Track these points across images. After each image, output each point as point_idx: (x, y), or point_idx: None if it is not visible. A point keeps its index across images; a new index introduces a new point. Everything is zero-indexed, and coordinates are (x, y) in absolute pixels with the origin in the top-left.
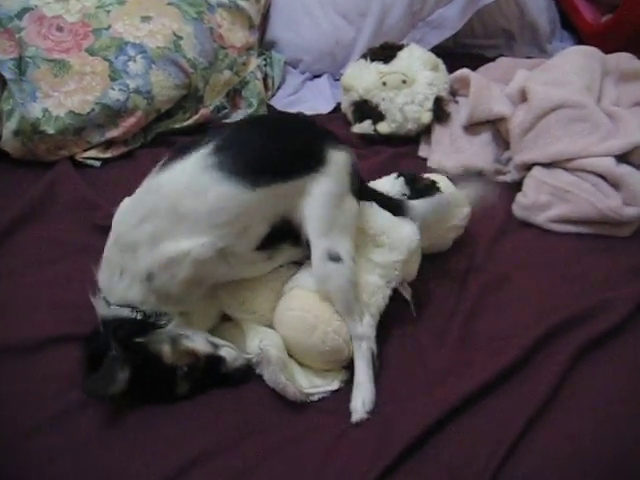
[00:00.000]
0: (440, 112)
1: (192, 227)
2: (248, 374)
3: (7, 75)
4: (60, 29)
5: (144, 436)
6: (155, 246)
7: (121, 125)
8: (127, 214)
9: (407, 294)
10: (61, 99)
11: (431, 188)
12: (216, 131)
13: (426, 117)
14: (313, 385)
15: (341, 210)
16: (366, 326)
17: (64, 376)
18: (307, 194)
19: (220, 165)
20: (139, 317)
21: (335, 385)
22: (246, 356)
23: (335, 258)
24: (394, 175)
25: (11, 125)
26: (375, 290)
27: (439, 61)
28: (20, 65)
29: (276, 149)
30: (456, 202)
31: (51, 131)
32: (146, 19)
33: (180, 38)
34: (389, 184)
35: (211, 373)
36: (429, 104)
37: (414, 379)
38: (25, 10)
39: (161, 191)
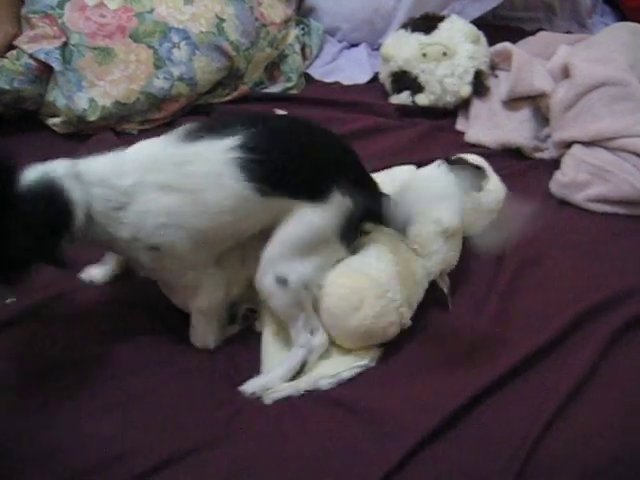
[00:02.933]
0: (480, 86)
1: (204, 217)
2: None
3: (56, 66)
4: (103, 16)
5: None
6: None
7: (164, 110)
8: (146, 167)
9: (445, 286)
10: (107, 88)
11: (476, 173)
12: (244, 119)
13: (465, 90)
14: (337, 370)
15: (316, 248)
16: (315, 339)
17: None
18: (292, 216)
19: (242, 164)
20: None
21: (366, 362)
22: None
23: (282, 281)
24: (438, 162)
25: (64, 111)
26: (420, 280)
27: (480, 34)
28: (64, 53)
29: (297, 164)
30: (491, 187)
31: (94, 118)
32: (189, 1)
33: (223, 21)
34: (433, 171)
35: None
36: (469, 77)
37: (451, 355)
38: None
39: (185, 171)
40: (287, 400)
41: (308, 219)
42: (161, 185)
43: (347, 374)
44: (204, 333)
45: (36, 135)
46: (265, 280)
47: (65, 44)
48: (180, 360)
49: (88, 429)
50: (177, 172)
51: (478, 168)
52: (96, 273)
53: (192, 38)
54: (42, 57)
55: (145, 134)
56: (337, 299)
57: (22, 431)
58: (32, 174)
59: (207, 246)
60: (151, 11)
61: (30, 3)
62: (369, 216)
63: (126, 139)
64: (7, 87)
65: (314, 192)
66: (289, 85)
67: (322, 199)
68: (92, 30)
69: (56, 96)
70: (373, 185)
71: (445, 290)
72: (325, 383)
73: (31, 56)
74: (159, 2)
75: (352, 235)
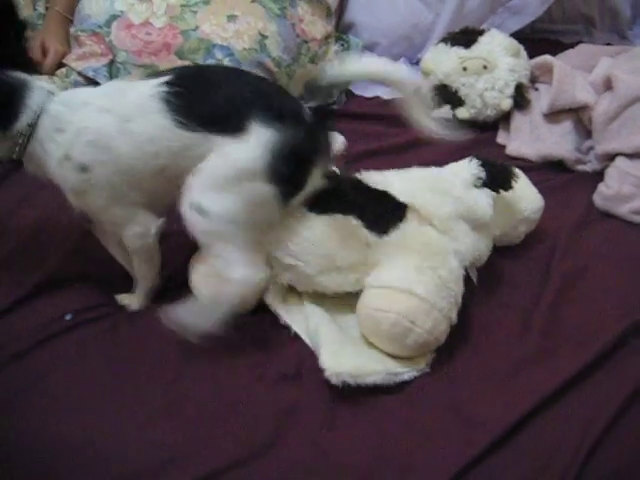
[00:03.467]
0: (521, 99)
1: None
2: None
3: (102, 81)
4: (149, 34)
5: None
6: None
7: None
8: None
9: (474, 277)
10: None
11: (507, 170)
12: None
13: (506, 104)
14: (387, 367)
15: (239, 183)
16: (235, 272)
17: None
18: (214, 152)
19: (165, 97)
20: None
21: (422, 367)
22: None
23: (202, 211)
24: (469, 158)
25: None
26: (458, 274)
27: (520, 47)
28: (111, 71)
29: (214, 98)
30: (527, 195)
31: None
32: (232, 18)
33: (265, 37)
34: (463, 168)
35: None
36: (510, 90)
37: (500, 367)
38: (113, 17)
39: (122, 99)
40: (336, 399)
41: (226, 151)
42: (101, 107)
43: (407, 376)
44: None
45: None
46: (186, 208)
47: (112, 62)
48: (224, 360)
49: (135, 435)
50: (116, 99)
51: (508, 166)
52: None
53: (235, 55)
54: (90, 74)
55: None
56: (389, 326)
57: (70, 439)
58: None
59: (135, 181)
60: (195, 29)
61: (79, 22)
62: (306, 153)
63: None
64: None
65: (231, 125)
66: (330, 101)
67: (240, 132)
68: (138, 48)
69: None
70: (302, 118)
71: (474, 280)
72: (379, 378)
73: (79, 73)
74: (203, 20)
75: (284, 176)
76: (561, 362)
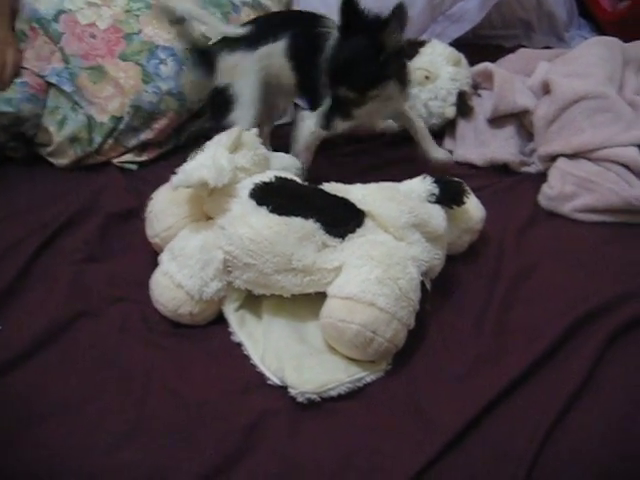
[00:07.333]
0: (463, 106)
1: None
2: None
3: (65, 86)
4: (93, 36)
5: None
6: None
7: (155, 127)
8: None
9: (428, 285)
10: (102, 105)
11: (459, 186)
12: None
13: (450, 112)
14: (350, 374)
15: None
16: None
17: None
18: None
19: None
20: None
21: (378, 373)
22: None
23: None
24: (423, 175)
25: (65, 134)
26: (416, 282)
27: (461, 56)
28: (64, 74)
29: None
30: (470, 206)
31: (98, 138)
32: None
33: (209, 39)
34: (417, 184)
35: None
36: (452, 99)
37: (455, 367)
38: (60, 12)
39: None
40: (300, 408)
41: None
42: None
43: (369, 379)
44: None
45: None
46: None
47: (66, 66)
48: (187, 374)
49: (102, 457)
50: None
51: (461, 183)
52: None
53: (179, 55)
54: (54, 80)
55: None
56: (352, 336)
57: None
58: None
59: None
60: (138, 32)
61: (25, 15)
62: None
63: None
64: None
65: None
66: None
67: None
68: (85, 51)
69: (62, 114)
70: None
71: (428, 288)
72: (343, 388)
73: (39, 76)
74: (146, 23)
75: None
76: (512, 360)
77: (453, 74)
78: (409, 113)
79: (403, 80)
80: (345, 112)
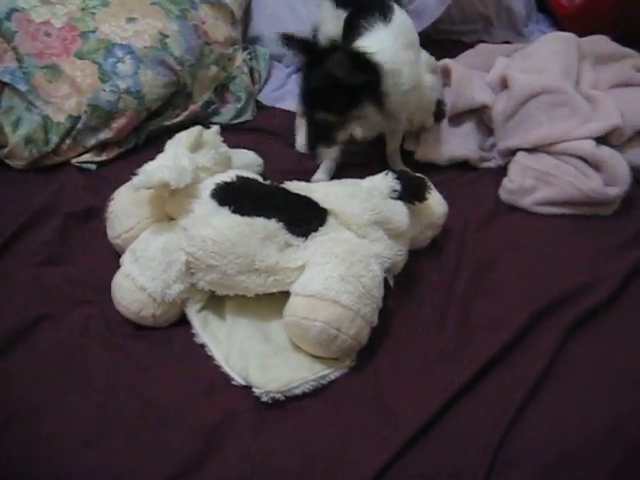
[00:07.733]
0: (439, 114)
1: None
2: None
3: (19, 85)
4: (48, 35)
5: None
6: None
7: (113, 127)
8: None
9: (391, 282)
10: (59, 104)
11: (421, 182)
12: None
13: (430, 121)
14: (315, 372)
15: None
16: None
17: None
18: None
19: None
20: None
21: (342, 369)
22: None
23: None
24: (385, 172)
25: (20, 134)
26: (380, 279)
27: (436, 63)
28: (18, 73)
29: None
30: (432, 202)
31: (55, 138)
32: (131, 20)
33: (166, 37)
34: (380, 181)
35: None
36: (432, 108)
37: (419, 360)
38: (13, 10)
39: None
40: (264, 407)
41: None
42: None
43: (333, 376)
44: None
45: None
46: None
47: (20, 66)
48: (150, 375)
49: (68, 461)
50: None
51: (423, 179)
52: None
53: (136, 52)
54: (7, 78)
55: (103, 171)
56: (316, 334)
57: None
58: None
59: None
60: (95, 30)
61: None
62: None
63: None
64: None
65: None
66: (239, 105)
67: None
68: (39, 50)
69: (17, 114)
70: None
71: (391, 284)
72: (308, 386)
73: None
74: (102, 21)
75: None
76: (475, 353)
77: (431, 82)
78: (394, 134)
79: (379, 100)
80: (328, 137)
